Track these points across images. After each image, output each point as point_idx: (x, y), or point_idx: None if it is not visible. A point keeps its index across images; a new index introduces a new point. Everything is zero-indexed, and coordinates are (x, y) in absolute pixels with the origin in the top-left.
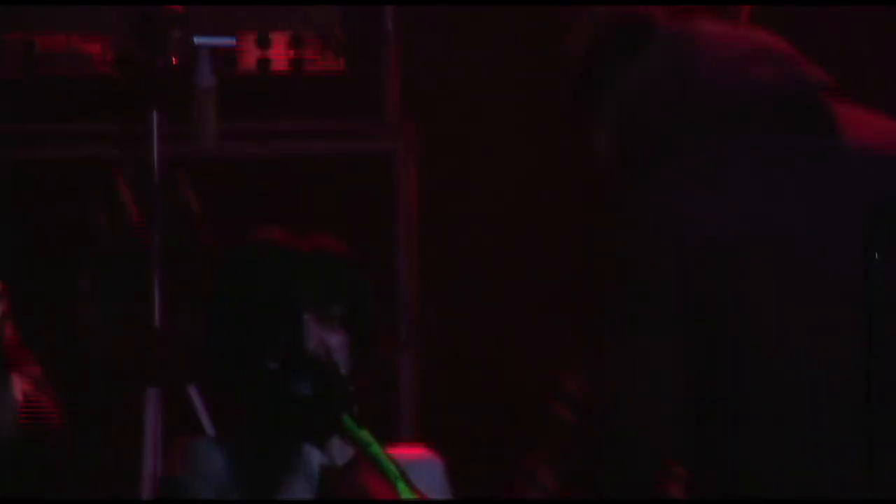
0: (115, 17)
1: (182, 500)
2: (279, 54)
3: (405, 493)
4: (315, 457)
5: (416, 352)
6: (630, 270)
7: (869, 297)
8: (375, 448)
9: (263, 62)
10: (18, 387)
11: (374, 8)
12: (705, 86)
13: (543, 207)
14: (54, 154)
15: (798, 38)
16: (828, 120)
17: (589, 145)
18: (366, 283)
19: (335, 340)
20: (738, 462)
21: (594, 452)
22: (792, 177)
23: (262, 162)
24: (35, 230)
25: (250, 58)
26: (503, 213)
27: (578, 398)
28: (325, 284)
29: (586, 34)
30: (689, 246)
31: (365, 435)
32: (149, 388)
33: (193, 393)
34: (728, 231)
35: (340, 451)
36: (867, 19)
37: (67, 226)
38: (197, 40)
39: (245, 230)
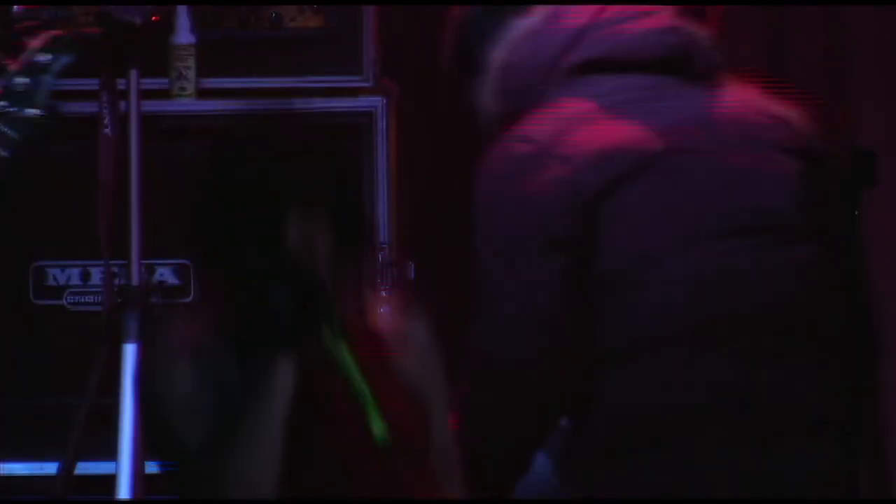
0: None
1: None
2: (259, 12)
3: (375, 422)
4: (290, 370)
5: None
6: (507, 212)
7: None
8: (352, 369)
9: (243, 19)
10: None
11: None
12: (585, 33)
13: None
14: None
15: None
16: (706, 76)
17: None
18: (353, 174)
19: (320, 240)
20: (627, 403)
21: (473, 395)
22: (667, 120)
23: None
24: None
25: (230, 15)
26: None
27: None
28: (311, 174)
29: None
30: (567, 187)
31: (342, 350)
32: (127, 342)
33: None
34: (604, 170)
35: (315, 365)
36: None
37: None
38: None
39: None
